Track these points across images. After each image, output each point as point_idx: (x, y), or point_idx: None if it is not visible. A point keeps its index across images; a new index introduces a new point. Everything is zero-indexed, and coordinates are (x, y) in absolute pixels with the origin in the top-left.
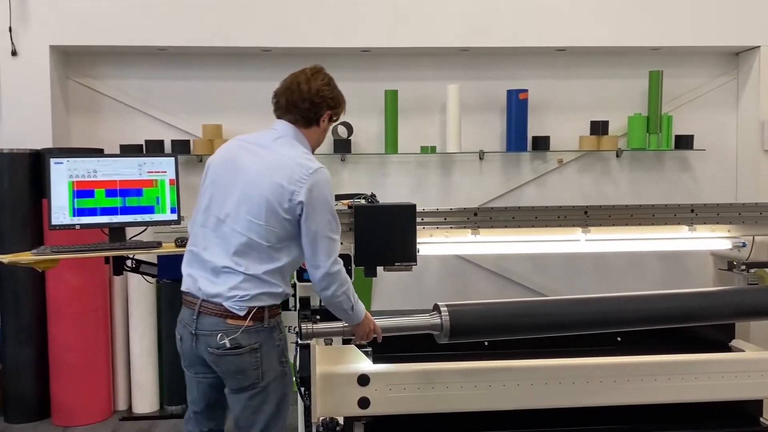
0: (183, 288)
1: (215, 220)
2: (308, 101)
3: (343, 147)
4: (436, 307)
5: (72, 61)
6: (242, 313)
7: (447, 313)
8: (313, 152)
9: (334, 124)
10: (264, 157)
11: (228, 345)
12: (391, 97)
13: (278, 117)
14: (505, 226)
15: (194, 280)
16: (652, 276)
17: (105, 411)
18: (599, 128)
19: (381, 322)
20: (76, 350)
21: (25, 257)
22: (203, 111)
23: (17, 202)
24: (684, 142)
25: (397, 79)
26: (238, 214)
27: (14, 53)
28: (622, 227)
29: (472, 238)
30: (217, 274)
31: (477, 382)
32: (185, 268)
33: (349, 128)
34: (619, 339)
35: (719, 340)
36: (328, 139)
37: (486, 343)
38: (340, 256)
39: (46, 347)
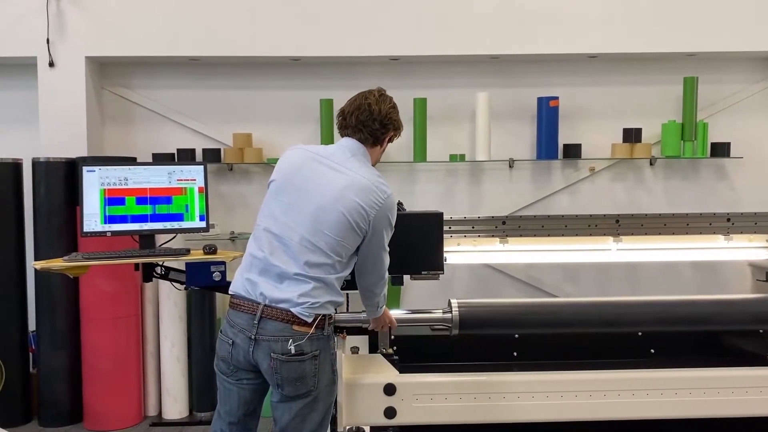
0: (238, 292)
1: (284, 227)
2: (378, 122)
3: None
4: (449, 303)
5: (106, 71)
6: (310, 320)
7: (457, 308)
8: None
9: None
10: (346, 176)
11: (293, 351)
12: (420, 105)
13: (344, 135)
14: (534, 235)
15: (254, 284)
16: (686, 287)
17: (135, 416)
18: (632, 136)
19: (399, 314)
20: (108, 356)
21: (56, 263)
22: (234, 120)
23: (53, 209)
24: (720, 150)
25: (426, 87)
26: (315, 226)
27: (51, 64)
28: (655, 236)
29: (500, 246)
30: (282, 279)
31: (505, 394)
32: (243, 272)
33: None
34: (652, 351)
35: (758, 353)
36: None
37: (515, 354)
38: None
39: (79, 352)
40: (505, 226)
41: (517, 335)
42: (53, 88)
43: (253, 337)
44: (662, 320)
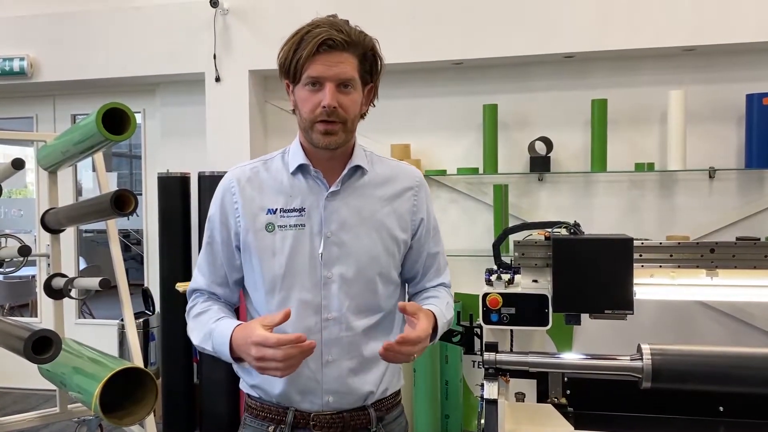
0: None
1: None
2: None
3: (541, 165)
4: (639, 349)
5: (269, 84)
6: None
7: (650, 355)
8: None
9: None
10: None
11: None
12: (600, 107)
13: None
14: (754, 267)
15: None
16: None
17: None
18: None
19: (574, 359)
20: None
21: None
22: (392, 130)
23: None
24: None
25: (607, 86)
26: None
27: (218, 79)
28: None
29: (707, 280)
30: None
31: None
32: None
33: (548, 144)
34: None
35: None
36: (524, 156)
37: (721, 409)
38: (537, 296)
39: None
40: (714, 255)
41: None
42: (219, 102)
43: None
44: None
